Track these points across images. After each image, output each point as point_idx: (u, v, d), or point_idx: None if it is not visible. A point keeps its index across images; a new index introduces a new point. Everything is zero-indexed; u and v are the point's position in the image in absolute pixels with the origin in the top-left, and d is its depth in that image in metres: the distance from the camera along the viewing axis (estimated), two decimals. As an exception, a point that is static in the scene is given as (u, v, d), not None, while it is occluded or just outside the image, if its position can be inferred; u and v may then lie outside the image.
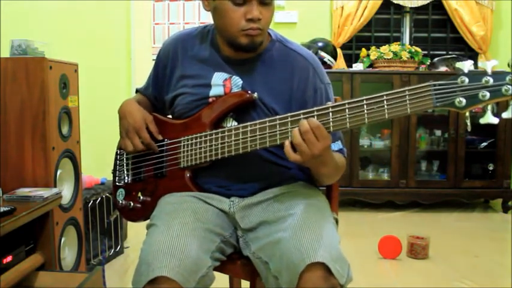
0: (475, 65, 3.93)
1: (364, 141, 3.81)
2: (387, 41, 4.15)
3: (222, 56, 1.33)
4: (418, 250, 2.66)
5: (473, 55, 4.17)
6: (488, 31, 4.05)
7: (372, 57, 3.89)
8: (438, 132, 3.88)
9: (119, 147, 1.48)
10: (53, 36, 2.69)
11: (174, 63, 1.40)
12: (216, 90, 1.31)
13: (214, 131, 1.26)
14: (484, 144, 3.79)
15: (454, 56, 3.96)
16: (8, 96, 1.85)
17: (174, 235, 1.11)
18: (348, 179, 3.65)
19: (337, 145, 1.28)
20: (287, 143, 1.11)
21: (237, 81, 1.30)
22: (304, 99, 1.28)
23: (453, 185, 3.71)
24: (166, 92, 1.42)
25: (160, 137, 1.37)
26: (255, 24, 1.21)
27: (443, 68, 3.87)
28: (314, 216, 1.14)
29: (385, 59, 3.82)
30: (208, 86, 1.32)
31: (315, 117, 1.10)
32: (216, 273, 1.21)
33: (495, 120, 0.98)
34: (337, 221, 1.31)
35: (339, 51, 4.01)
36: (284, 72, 1.30)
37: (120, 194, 1.44)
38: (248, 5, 1.20)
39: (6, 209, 1.52)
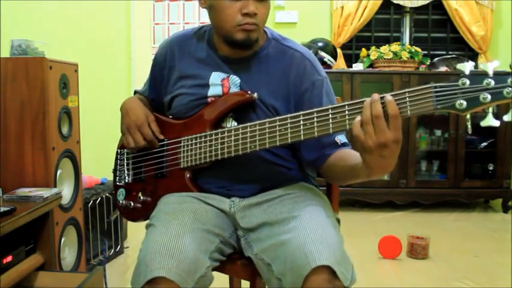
0: (475, 65, 3.93)
1: (364, 141, 3.80)
2: (387, 41, 4.15)
3: (219, 56, 1.33)
4: (418, 250, 2.66)
5: (473, 55, 4.17)
6: (488, 31, 4.05)
7: (372, 57, 3.89)
8: (438, 132, 3.87)
9: (120, 147, 1.48)
10: (53, 36, 2.69)
11: (171, 64, 1.39)
12: (214, 90, 1.31)
13: (214, 132, 1.26)
14: (484, 144, 3.79)
15: (454, 56, 3.96)
16: (8, 96, 1.85)
17: (172, 235, 1.11)
18: (348, 179, 3.65)
19: (344, 137, 1.26)
20: (358, 118, 1.01)
21: (235, 80, 1.30)
22: (301, 92, 1.27)
23: (453, 185, 3.71)
24: (164, 94, 1.42)
25: (161, 137, 1.37)
26: (251, 19, 1.21)
27: (443, 68, 3.87)
28: (317, 218, 1.14)
29: (385, 59, 3.81)
30: (206, 85, 1.32)
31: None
32: (216, 273, 1.21)
33: (496, 123, 0.96)
34: (338, 221, 1.31)
35: (339, 51, 4.00)
36: (281, 68, 1.29)
37: (121, 193, 1.44)
38: (244, 0, 1.20)
39: (6, 209, 1.52)
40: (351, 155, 1.18)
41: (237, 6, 1.21)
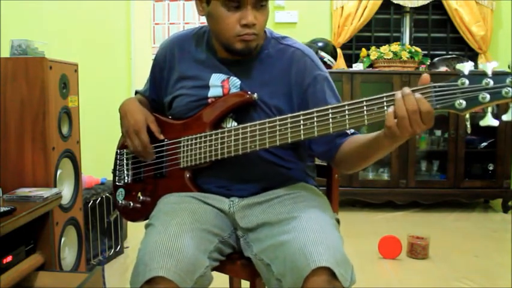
0: (475, 65, 3.93)
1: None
2: (387, 41, 4.15)
3: (219, 58, 1.33)
4: (418, 250, 2.66)
5: (473, 55, 4.17)
6: (488, 31, 4.05)
7: (372, 57, 3.89)
8: (438, 132, 3.87)
9: (119, 147, 1.48)
10: (53, 36, 2.69)
11: (171, 65, 1.39)
12: (214, 91, 1.31)
13: (214, 132, 1.26)
14: (484, 144, 3.79)
15: (454, 56, 3.96)
16: (8, 96, 1.85)
17: (171, 235, 1.11)
18: (348, 179, 3.65)
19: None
20: (391, 109, 1.02)
21: (235, 82, 1.30)
22: (304, 89, 1.27)
23: (453, 185, 3.71)
24: (164, 94, 1.42)
25: (161, 137, 1.37)
26: (250, 30, 1.20)
27: (443, 68, 3.87)
28: (317, 218, 1.14)
29: (385, 59, 3.82)
30: (207, 87, 1.32)
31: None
32: (216, 273, 1.21)
33: (495, 123, 0.97)
34: (338, 222, 1.31)
35: (339, 51, 4.00)
36: (281, 67, 1.29)
37: (120, 193, 1.44)
38: (242, 10, 1.19)
39: (6, 209, 1.52)
40: (365, 136, 1.17)
41: (235, 16, 1.20)
